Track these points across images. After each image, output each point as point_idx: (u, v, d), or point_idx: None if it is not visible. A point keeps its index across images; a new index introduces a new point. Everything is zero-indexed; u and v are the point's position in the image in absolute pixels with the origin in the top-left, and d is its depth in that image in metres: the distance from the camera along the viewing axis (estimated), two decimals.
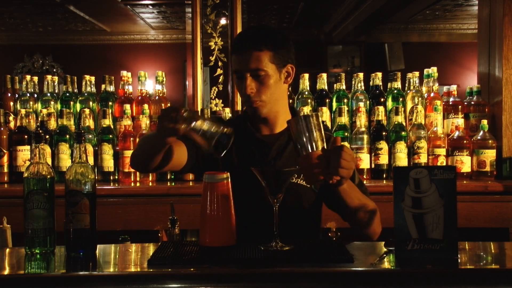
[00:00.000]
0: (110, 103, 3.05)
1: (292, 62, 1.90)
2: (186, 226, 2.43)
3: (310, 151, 1.61)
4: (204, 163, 1.92)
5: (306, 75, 3.06)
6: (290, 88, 3.00)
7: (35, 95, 3.14)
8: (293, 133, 1.64)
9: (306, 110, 2.91)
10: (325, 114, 2.95)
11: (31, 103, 3.09)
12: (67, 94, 3.13)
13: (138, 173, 2.84)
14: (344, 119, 2.89)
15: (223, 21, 3.24)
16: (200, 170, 1.93)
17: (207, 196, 1.60)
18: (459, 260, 1.46)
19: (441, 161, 2.87)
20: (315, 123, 1.62)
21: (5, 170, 2.88)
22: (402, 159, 2.85)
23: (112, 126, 2.97)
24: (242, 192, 1.83)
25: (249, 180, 1.78)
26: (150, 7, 6.97)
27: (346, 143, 2.82)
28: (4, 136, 2.89)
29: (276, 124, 1.93)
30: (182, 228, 2.19)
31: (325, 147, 1.63)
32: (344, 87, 3.05)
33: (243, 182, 1.83)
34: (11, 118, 3.04)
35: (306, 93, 3.03)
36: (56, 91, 3.18)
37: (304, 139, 1.61)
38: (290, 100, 3.01)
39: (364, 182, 2.72)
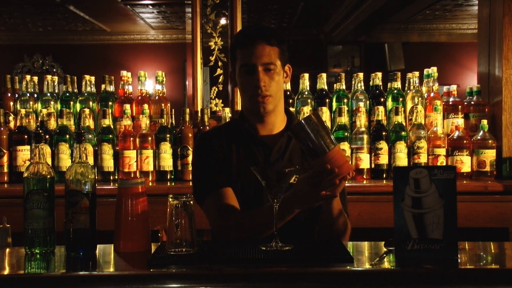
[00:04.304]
0: (110, 103, 3.05)
1: (288, 62, 1.92)
2: None
3: (325, 152, 1.60)
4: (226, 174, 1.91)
5: (306, 75, 3.06)
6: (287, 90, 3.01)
7: (35, 95, 3.14)
8: (300, 140, 1.63)
9: (306, 110, 2.91)
10: (325, 114, 2.94)
11: (31, 103, 3.09)
12: (67, 94, 3.13)
13: (138, 173, 2.84)
14: (344, 119, 2.89)
15: (223, 21, 3.24)
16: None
17: (121, 201, 1.61)
18: (459, 260, 1.46)
19: (441, 161, 2.87)
20: (317, 122, 1.61)
21: (5, 170, 2.88)
22: (402, 159, 2.85)
23: (112, 126, 2.97)
24: (246, 193, 1.85)
25: (253, 181, 1.80)
26: (150, 7, 6.97)
27: (346, 143, 2.82)
28: (4, 136, 2.89)
29: (274, 124, 1.93)
30: None
31: (334, 141, 1.63)
32: (344, 87, 3.05)
33: (247, 183, 1.85)
34: (11, 118, 3.04)
35: (306, 93, 3.02)
36: (56, 91, 3.18)
37: (314, 142, 1.60)
38: (290, 100, 3.02)
39: (364, 182, 2.76)
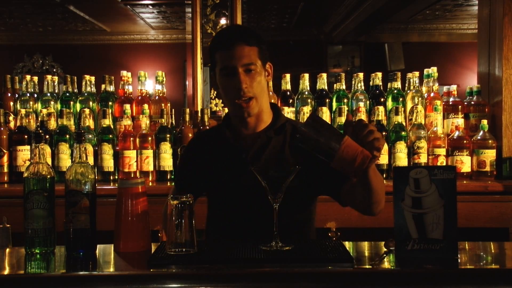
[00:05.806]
0: (110, 103, 3.05)
1: (270, 60, 1.90)
2: None
3: (336, 150, 1.51)
4: (196, 182, 1.94)
5: (306, 75, 3.06)
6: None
7: (35, 95, 3.14)
8: (309, 146, 1.55)
9: (306, 110, 2.91)
10: (325, 114, 2.95)
11: (31, 103, 3.09)
12: (67, 94, 3.13)
13: (137, 173, 2.84)
14: (344, 119, 2.89)
15: (223, 21, 3.24)
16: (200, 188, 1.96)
17: (121, 201, 1.62)
18: (459, 260, 1.47)
19: (441, 161, 2.87)
20: (319, 123, 1.54)
21: (5, 170, 2.88)
22: (402, 159, 2.85)
23: (112, 126, 2.97)
24: (229, 197, 1.88)
25: (235, 185, 1.83)
26: (150, 7, 6.97)
27: None
28: (4, 136, 2.89)
29: (259, 123, 1.92)
30: None
31: (340, 136, 1.53)
32: (344, 87, 3.05)
33: (228, 188, 1.86)
34: (11, 118, 3.04)
35: (306, 93, 3.02)
36: (56, 91, 3.18)
37: (322, 143, 1.52)
38: (290, 100, 3.02)
39: None
